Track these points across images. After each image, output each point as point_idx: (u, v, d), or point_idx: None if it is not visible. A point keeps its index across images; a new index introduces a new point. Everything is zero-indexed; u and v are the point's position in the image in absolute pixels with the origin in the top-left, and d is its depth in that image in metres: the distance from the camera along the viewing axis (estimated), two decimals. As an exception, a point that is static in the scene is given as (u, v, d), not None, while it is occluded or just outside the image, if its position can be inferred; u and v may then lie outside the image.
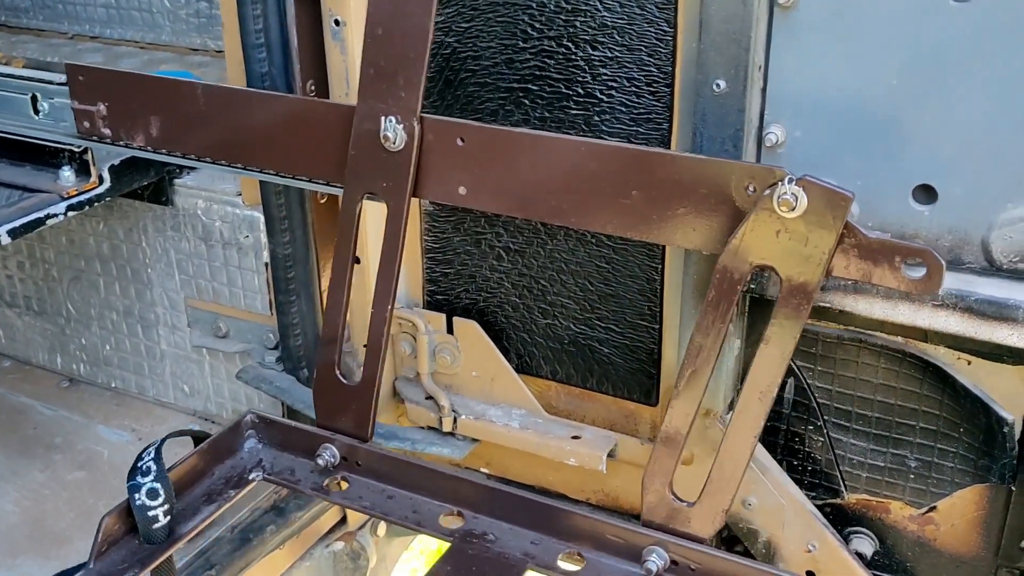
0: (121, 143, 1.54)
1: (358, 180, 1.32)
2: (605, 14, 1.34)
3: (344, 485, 1.45)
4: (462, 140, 1.21)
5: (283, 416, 1.79)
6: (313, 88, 1.63)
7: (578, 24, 1.36)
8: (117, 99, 1.51)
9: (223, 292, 1.90)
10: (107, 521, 1.33)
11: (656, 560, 1.24)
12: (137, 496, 1.33)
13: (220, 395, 2.02)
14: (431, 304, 1.66)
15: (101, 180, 1.72)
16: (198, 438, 1.51)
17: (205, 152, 1.48)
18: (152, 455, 1.38)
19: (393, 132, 1.23)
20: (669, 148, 1.36)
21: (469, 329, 1.60)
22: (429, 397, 1.66)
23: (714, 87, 1.23)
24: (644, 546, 1.25)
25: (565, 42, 1.38)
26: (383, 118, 1.23)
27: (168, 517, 1.35)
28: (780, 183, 1.06)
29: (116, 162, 1.73)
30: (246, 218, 1.80)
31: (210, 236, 1.86)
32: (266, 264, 1.81)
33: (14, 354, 2.31)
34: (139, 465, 1.37)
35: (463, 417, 1.62)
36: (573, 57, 1.38)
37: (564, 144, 1.17)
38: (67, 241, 2.08)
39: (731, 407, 1.39)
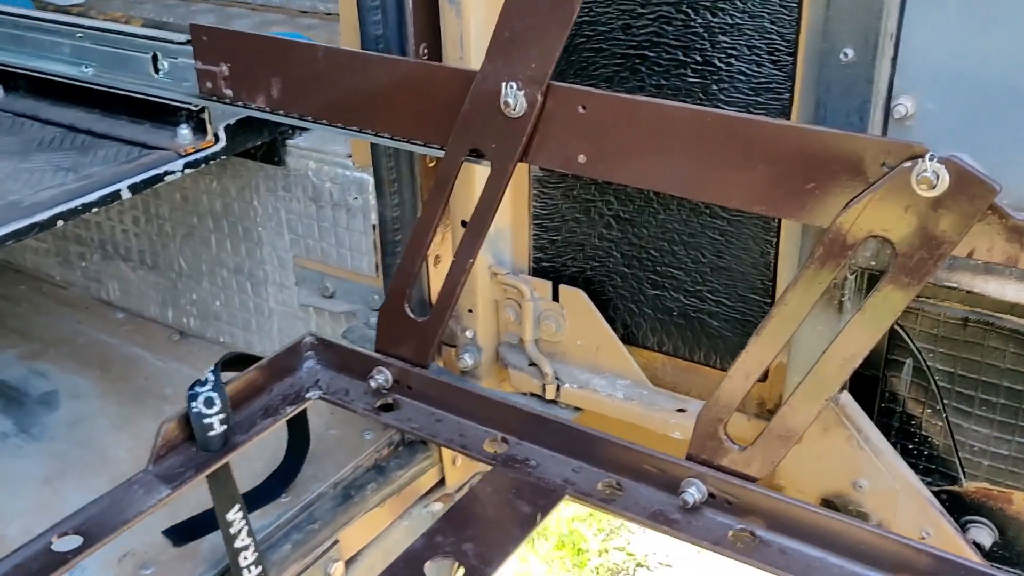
0: (241, 103, 1.57)
1: (464, 137, 1.32)
2: (728, -22, 1.30)
3: (395, 407, 1.50)
4: (584, 108, 1.20)
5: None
6: (426, 51, 1.62)
7: (700, -12, 1.33)
8: (239, 60, 1.54)
9: (331, 253, 1.93)
10: (166, 427, 1.38)
11: (694, 492, 1.25)
12: (194, 404, 1.38)
13: (324, 354, 2.05)
14: (537, 271, 1.66)
15: (217, 139, 1.75)
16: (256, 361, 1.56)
17: (322, 114, 1.50)
18: (212, 368, 1.43)
19: (514, 98, 1.22)
20: (789, 119, 1.32)
21: (575, 297, 1.59)
22: (532, 364, 1.66)
23: (841, 56, 1.19)
24: (683, 478, 1.26)
25: (684, 8, 1.34)
26: (505, 83, 1.22)
27: (224, 427, 1.40)
28: (921, 160, 1.02)
29: (232, 121, 1.76)
30: (356, 180, 1.82)
31: (320, 197, 1.89)
32: (374, 226, 1.83)
33: (127, 306, 2.38)
34: (199, 379, 1.42)
35: (566, 385, 1.62)
36: (692, 23, 1.35)
37: (689, 114, 1.14)
38: (181, 198, 2.13)
39: (843, 388, 1.36)
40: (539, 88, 1.19)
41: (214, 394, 1.40)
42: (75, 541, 1.24)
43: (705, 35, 1.34)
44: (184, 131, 1.74)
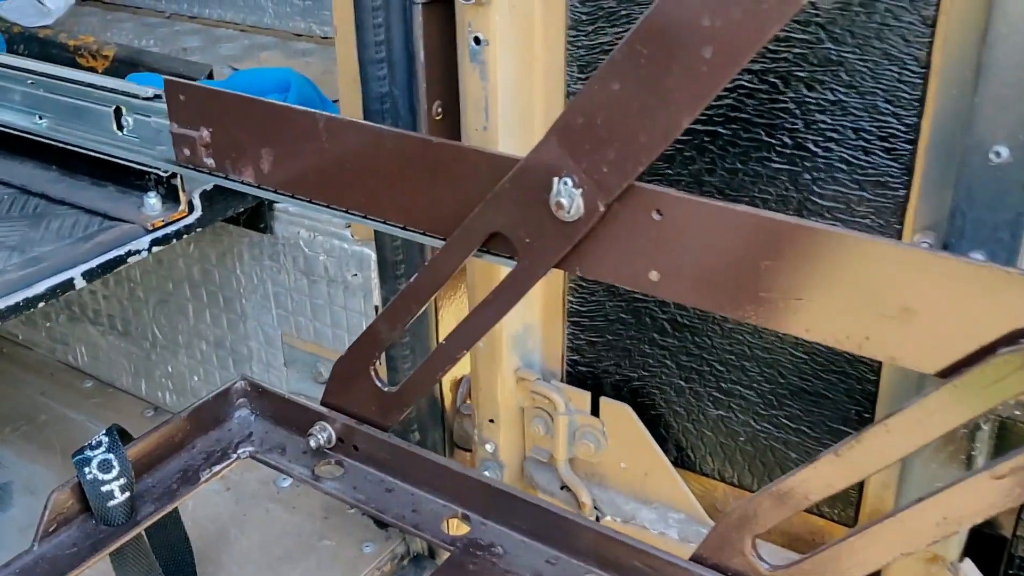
0: (225, 176, 1.29)
1: (489, 220, 1.03)
2: (829, 46, 1.03)
3: (338, 471, 1.25)
4: (660, 214, 0.92)
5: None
6: (440, 110, 1.35)
7: (791, 57, 1.05)
8: (223, 125, 1.26)
9: (325, 333, 1.65)
10: (56, 497, 1.14)
11: None
12: (87, 469, 1.14)
13: (318, 444, 1.78)
14: (572, 378, 1.38)
15: (191, 208, 1.48)
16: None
17: (321, 194, 1.22)
18: (103, 431, 1.19)
19: (569, 199, 0.94)
20: (903, 220, 1.05)
21: (620, 412, 1.31)
22: (565, 488, 1.39)
23: (991, 156, 0.91)
24: None
25: (771, 78, 1.07)
26: (559, 179, 0.94)
27: (127, 493, 1.16)
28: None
29: (209, 187, 1.49)
30: (355, 254, 1.55)
31: (312, 270, 1.61)
32: (376, 307, 1.56)
33: (96, 374, 2.11)
34: (88, 443, 1.18)
35: (608, 517, 1.35)
36: (780, 98, 1.07)
37: (827, 239, 0.84)
38: (154, 260, 1.86)
39: (965, 554, 1.09)
40: (608, 196, 0.91)
41: (111, 456, 1.16)
42: None
43: (798, 112, 1.06)
44: (152, 200, 1.46)
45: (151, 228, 1.44)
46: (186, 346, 1.89)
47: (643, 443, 1.31)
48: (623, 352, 1.32)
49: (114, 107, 1.47)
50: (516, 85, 1.21)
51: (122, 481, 1.16)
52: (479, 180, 1.05)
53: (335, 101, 2.02)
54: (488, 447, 1.42)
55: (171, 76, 2.04)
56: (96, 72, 2.29)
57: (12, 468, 1.85)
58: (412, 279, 1.15)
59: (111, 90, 1.45)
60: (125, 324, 1.98)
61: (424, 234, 1.17)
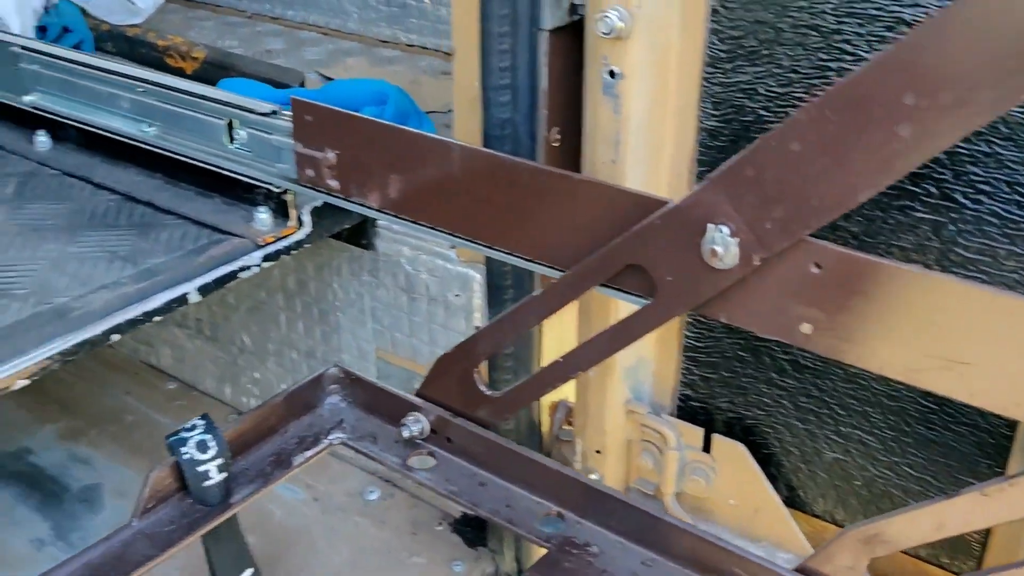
0: (351, 200, 1.29)
1: (626, 254, 1.03)
2: (987, 96, 1.00)
3: (430, 462, 1.25)
4: (819, 267, 0.91)
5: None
6: (559, 137, 1.35)
7: (945, 105, 1.03)
8: (351, 148, 1.26)
9: (422, 350, 1.65)
10: (155, 475, 1.15)
11: None
12: (184, 449, 1.16)
13: (406, 459, 1.78)
14: (683, 412, 1.37)
15: (300, 224, 1.48)
16: None
17: (448, 222, 1.22)
18: (199, 417, 1.21)
19: (724, 247, 0.93)
20: (1056, 278, 1.03)
21: (733, 450, 1.30)
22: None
23: None
24: None
25: (920, 125, 1.05)
26: (714, 226, 0.93)
27: (223, 474, 1.17)
28: None
29: (319, 203, 1.48)
30: (459, 275, 1.54)
31: (413, 288, 1.61)
32: (477, 328, 1.55)
33: (180, 376, 2.13)
34: (183, 426, 1.20)
35: (715, 554, 1.34)
36: (930, 146, 1.05)
37: (984, 298, 0.83)
38: (248, 268, 1.86)
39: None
40: (766, 251, 0.90)
41: (207, 436, 1.17)
42: None
43: (947, 163, 1.04)
44: (262, 215, 1.47)
45: (262, 243, 1.44)
46: (275, 354, 1.90)
47: (755, 481, 1.30)
48: (738, 390, 1.31)
49: (227, 120, 1.47)
50: (647, 120, 1.19)
51: (219, 462, 1.17)
52: (618, 217, 1.05)
53: (428, 113, 2.02)
54: (593, 476, 1.41)
55: (263, 81, 2.05)
56: (185, 73, 2.30)
57: (102, 470, 1.87)
58: (535, 294, 1.15)
59: (226, 103, 1.46)
60: (213, 329, 1.99)
61: (548, 266, 1.16)
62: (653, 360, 1.36)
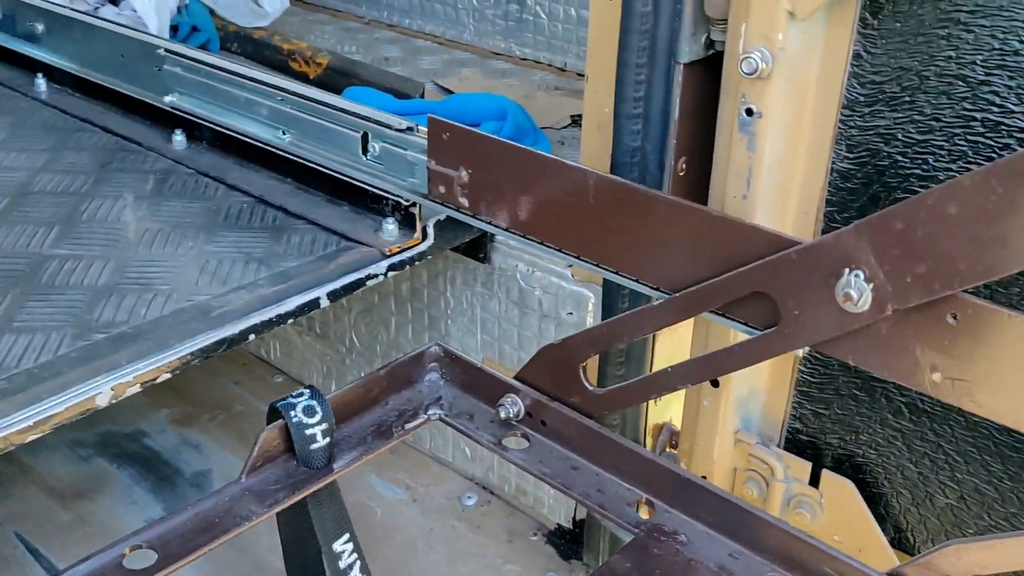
0: (479, 218, 1.34)
1: (751, 281, 1.06)
2: None
3: (524, 444, 1.28)
4: (955, 318, 0.92)
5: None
6: (685, 167, 1.37)
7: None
8: (484, 168, 1.31)
9: (530, 364, 1.69)
10: (265, 436, 1.20)
11: None
12: (293, 413, 1.20)
13: (506, 468, 1.83)
14: (791, 445, 1.38)
15: (425, 236, 1.53)
16: None
17: (577, 247, 1.26)
18: (305, 387, 1.25)
19: (858, 293, 0.95)
20: None
21: (842, 488, 1.31)
22: None
23: None
24: None
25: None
26: (851, 270, 0.95)
27: (327, 439, 1.21)
28: None
29: (442, 217, 1.54)
30: (573, 294, 1.58)
31: (526, 303, 1.65)
32: (586, 347, 1.58)
33: (287, 370, 2.21)
34: (289, 394, 1.24)
35: (817, 588, 1.35)
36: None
37: None
38: (362, 272, 1.93)
39: None
40: (902, 303, 0.92)
41: (314, 402, 1.22)
42: (149, 558, 1.06)
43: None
44: (390, 226, 1.52)
45: (389, 253, 1.49)
46: (383, 356, 1.96)
47: (863, 520, 1.31)
48: (850, 428, 1.32)
49: (362, 133, 1.53)
50: (780, 158, 1.21)
51: (324, 426, 1.21)
52: (750, 255, 1.07)
53: (542, 128, 2.06)
54: (697, 502, 1.43)
55: (385, 90, 2.12)
56: (308, 78, 2.38)
57: (212, 456, 1.95)
58: (653, 304, 1.17)
59: (364, 117, 1.51)
60: (324, 327, 2.06)
61: (669, 294, 1.19)
62: (765, 392, 1.38)
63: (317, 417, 1.21)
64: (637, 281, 1.23)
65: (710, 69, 1.30)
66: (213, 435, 2.00)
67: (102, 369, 1.21)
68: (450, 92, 2.30)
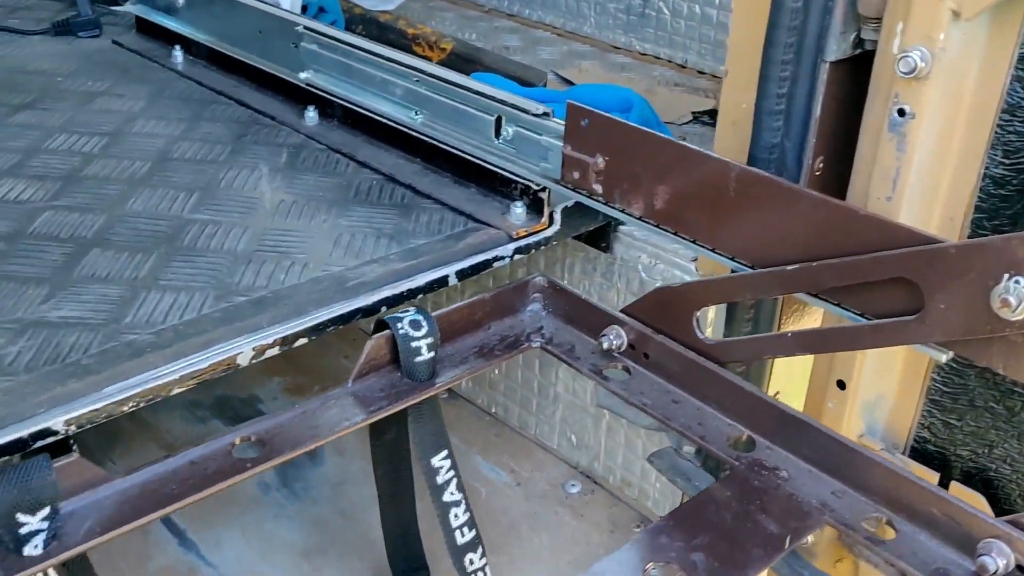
0: (612, 205, 1.35)
1: (897, 267, 1.05)
2: None
3: (624, 375, 1.29)
4: (1118, 336, 0.90)
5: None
6: (821, 166, 1.36)
7: None
8: (621, 156, 1.31)
9: (644, 356, 1.69)
10: (372, 344, 1.23)
11: (996, 559, 0.97)
12: (399, 325, 1.23)
13: (612, 459, 1.83)
14: (916, 453, 1.36)
15: (551, 222, 1.54)
16: None
17: (711, 239, 1.25)
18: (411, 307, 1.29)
19: (1017, 300, 0.93)
20: None
21: (973, 502, 1.28)
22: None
23: None
24: (984, 537, 0.99)
25: None
26: (1009, 275, 0.93)
27: (432, 353, 1.24)
28: None
29: (570, 204, 1.54)
30: (695, 288, 1.57)
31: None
32: (705, 342, 1.58)
33: (396, 348, 2.24)
34: (396, 313, 1.28)
35: (937, 600, 1.32)
36: None
37: None
38: (479, 255, 1.95)
39: None
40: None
41: (420, 317, 1.25)
42: (256, 449, 1.12)
43: None
44: (518, 209, 1.54)
45: (516, 236, 1.51)
46: (493, 340, 1.98)
47: (988, 536, 1.28)
48: (983, 442, 1.29)
49: (496, 116, 1.55)
50: (929, 161, 1.19)
51: (429, 340, 1.25)
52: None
53: (668, 124, 2.05)
54: (813, 505, 1.42)
55: (509, 78, 2.13)
56: (431, 63, 2.41)
57: (323, 426, 1.99)
58: (786, 268, 1.16)
59: (500, 101, 1.53)
60: (435, 307, 2.08)
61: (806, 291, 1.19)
62: (893, 397, 1.35)
63: (423, 331, 1.25)
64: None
65: (855, 68, 1.29)
66: (323, 406, 2.04)
67: (244, 330, 1.25)
68: (571, 83, 2.31)
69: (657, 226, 1.33)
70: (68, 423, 1.08)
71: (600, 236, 1.67)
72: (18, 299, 1.28)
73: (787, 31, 1.28)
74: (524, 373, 1.94)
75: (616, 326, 1.32)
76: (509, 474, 1.89)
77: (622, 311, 1.34)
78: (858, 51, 1.29)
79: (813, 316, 1.46)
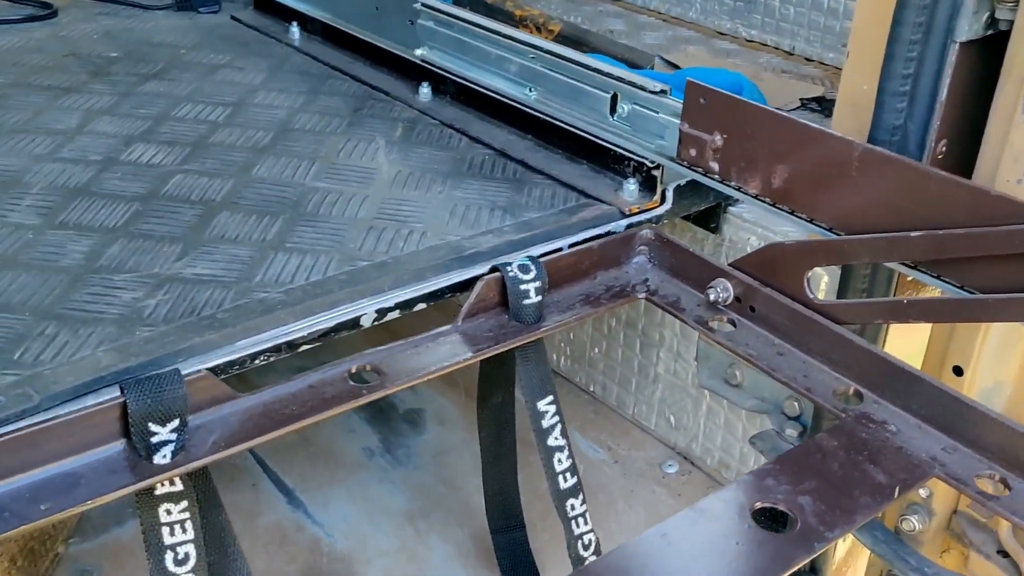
0: (728, 183, 1.35)
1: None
2: None
3: (729, 328, 1.30)
4: None
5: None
6: (944, 149, 1.34)
7: None
8: (740, 134, 1.32)
9: (749, 338, 1.69)
10: (482, 284, 1.28)
11: None
12: (509, 268, 1.27)
13: (711, 440, 1.84)
14: (1034, 443, 1.34)
15: (663, 200, 1.55)
16: None
17: (831, 217, 1.25)
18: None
19: None
20: None
21: (1089, 491, 1.26)
22: (1003, 553, 1.35)
23: None
24: None
25: None
26: None
27: (539, 297, 1.28)
28: None
29: (683, 182, 1.55)
30: (806, 271, 1.56)
31: (753, 277, 1.65)
32: (813, 325, 1.57)
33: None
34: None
35: (1049, 593, 1.31)
36: None
37: None
38: (583, 234, 1.97)
39: None
40: None
41: (529, 262, 1.29)
42: (370, 377, 1.17)
43: None
44: (631, 186, 1.55)
45: (628, 213, 1.52)
46: (595, 320, 2.00)
47: (1108, 529, 1.26)
48: (1105, 432, 1.26)
49: (612, 93, 1.56)
50: (1066, 145, 1.18)
51: (537, 284, 1.28)
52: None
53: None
54: (922, 491, 1.41)
55: (617, 60, 2.14)
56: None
57: (425, 397, 2.04)
58: (912, 234, 1.15)
59: (616, 78, 1.55)
60: (537, 286, 2.11)
61: (926, 271, 1.18)
62: (1012, 385, 1.34)
63: (531, 275, 1.28)
64: (913, 268, 1.22)
65: (985, 49, 1.27)
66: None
67: (367, 292, 1.29)
68: (677, 67, 2.31)
69: (773, 205, 1.34)
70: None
71: (710, 216, 1.68)
72: (154, 256, 1.34)
73: (917, 10, 1.27)
74: (625, 353, 1.96)
75: (723, 279, 1.33)
76: (607, 452, 1.91)
77: (730, 265, 1.34)
78: (990, 32, 1.27)
79: (930, 293, 1.44)
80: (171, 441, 1.02)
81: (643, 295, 1.39)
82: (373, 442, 1.89)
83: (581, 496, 1.41)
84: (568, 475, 1.39)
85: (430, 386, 2.06)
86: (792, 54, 2.45)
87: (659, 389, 1.91)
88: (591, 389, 2.06)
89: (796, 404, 1.65)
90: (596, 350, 2.02)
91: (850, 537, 1.58)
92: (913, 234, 1.15)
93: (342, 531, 1.69)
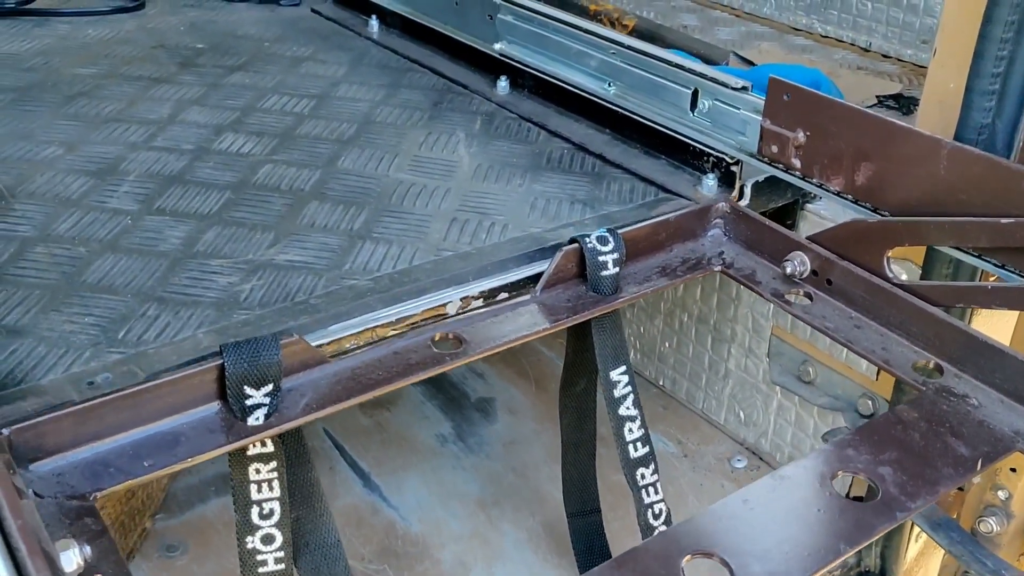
0: (809, 180, 1.36)
1: None
2: None
3: (806, 301, 1.31)
4: None
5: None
6: (1033, 148, 1.34)
7: None
8: (823, 131, 1.33)
9: (822, 336, 1.69)
10: (560, 256, 1.30)
11: None
12: (587, 240, 1.30)
13: (780, 437, 1.84)
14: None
15: (741, 195, 1.56)
16: None
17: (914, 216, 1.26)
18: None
19: None
20: None
21: None
22: (1084, 556, 1.35)
23: None
24: None
25: None
26: None
27: (617, 268, 1.30)
28: None
29: (761, 178, 1.56)
30: (885, 269, 1.56)
31: (830, 274, 1.65)
32: (891, 324, 1.57)
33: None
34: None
35: None
36: None
37: None
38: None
39: None
40: None
41: (607, 235, 1.31)
42: (453, 345, 1.20)
43: None
44: (710, 181, 1.56)
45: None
46: (666, 313, 2.01)
47: None
48: None
49: (693, 89, 1.57)
50: None
51: (615, 256, 1.31)
52: None
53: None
54: (1000, 494, 1.40)
55: (693, 56, 2.15)
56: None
57: (495, 386, 2.07)
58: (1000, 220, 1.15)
59: (698, 74, 1.56)
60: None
61: (1012, 270, 1.18)
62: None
63: (609, 247, 1.31)
64: (979, 258, 1.22)
65: (1077, 49, 1.26)
66: (497, 368, 2.12)
67: (452, 281, 1.31)
68: (751, 63, 2.31)
69: (856, 202, 1.34)
70: (299, 355, 1.17)
71: (786, 213, 1.68)
72: (248, 243, 1.38)
73: (1009, 8, 1.27)
74: (695, 348, 1.97)
75: (800, 252, 1.33)
76: (676, 445, 1.93)
77: (807, 238, 1.35)
78: (1082, 31, 1.26)
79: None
80: (264, 404, 1.06)
81: (719, 268, 1.40)
82: (446, 429, 1.93)
83: (653, 465, 1.43)
84: (640, 444, 1.41)
85: (501, 376, 2.09)
86: (868, 50, 2.43)
87: (729, 384, 1.92)
88: (660, 383, 2.07)
89: (870, 402, 1.66)
90: (667, 344, 2.03)
91: (923, 538, 1.59)
92: (1004, 220, 1.15)
93: (416, 515, 1.73)
